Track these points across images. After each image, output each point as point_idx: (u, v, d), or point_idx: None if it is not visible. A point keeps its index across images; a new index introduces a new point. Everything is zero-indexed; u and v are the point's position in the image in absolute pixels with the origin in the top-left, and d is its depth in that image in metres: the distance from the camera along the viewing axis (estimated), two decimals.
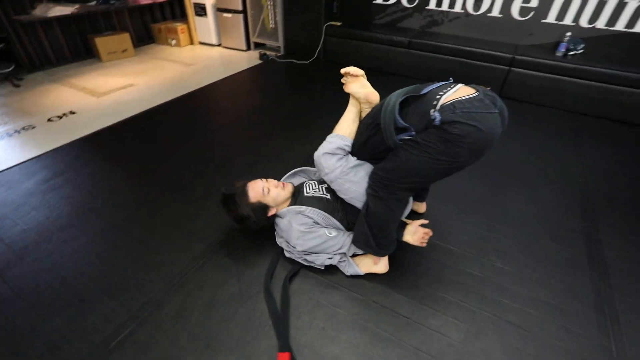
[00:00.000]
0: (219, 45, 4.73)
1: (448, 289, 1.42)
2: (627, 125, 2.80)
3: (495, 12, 3.25)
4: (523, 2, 3.09)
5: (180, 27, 4.55)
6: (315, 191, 1.56)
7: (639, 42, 2.83)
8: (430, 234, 1.40)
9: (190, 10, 4.52)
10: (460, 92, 1.08)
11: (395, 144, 1.18)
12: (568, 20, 3.01)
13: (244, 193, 1.43)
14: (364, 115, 1.40)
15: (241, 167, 2.14)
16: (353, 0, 3.87)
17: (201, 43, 4.80)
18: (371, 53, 3.62)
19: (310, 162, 1.54)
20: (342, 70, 1.39)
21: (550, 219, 1.80)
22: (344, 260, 1.45)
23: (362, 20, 3.88)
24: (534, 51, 3.06)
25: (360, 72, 1.37)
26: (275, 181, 1.53)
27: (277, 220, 1.52)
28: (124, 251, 1.56)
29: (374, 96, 1.36)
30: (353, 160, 1.35)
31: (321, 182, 1.63)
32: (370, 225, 1.31)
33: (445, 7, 3.43)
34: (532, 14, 3.11)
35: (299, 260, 1.49)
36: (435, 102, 1.07)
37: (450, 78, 1.19)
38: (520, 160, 2.26)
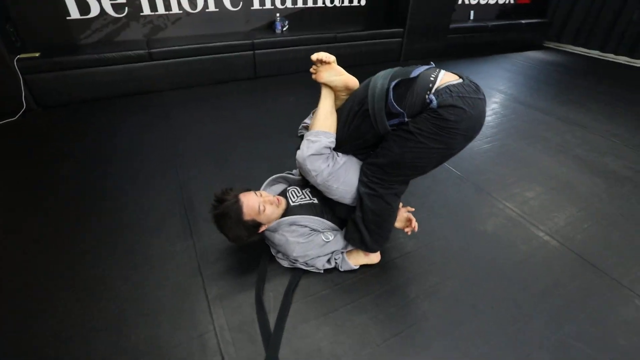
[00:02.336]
0: None
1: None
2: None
3: (212, 7, 3.43)
4: None
5: None
6: (302, 198, 1.45)
7: (317, 13, 3.93)
8: (415, 222, 1.42)
9: None
10: (447, 77, 1.08)
11: (385, 130, 1.13)
12: (268, 4, 3.67)
13: (238, 210, 1.27)
14: (339, 104, 1.29)
15: None
16: (37, 19, 2.85)
17: None
18: (103, 78, 2.93)
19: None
20: (314, 57, 1.22)
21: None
22: (337, 258, 1.43)
23: (63, 43, 2.99)
24: (260, 33, 3.57)
25: (332, 58, 1.22)
26: (270, 196, 1.38)
27: (268, 234, 1.41)
28: None
29: (354, 82, 1.25)
30: (340, 158, 1.26)
31: (303, 186, 1.51)
32: (366, 223, 1.28)
33: (161, 10, 3.24)
34: (241, 3, 3.53)
35: (299, 266, 1.40)
36: (431, 85, 1.06)
37: (432, 63, 1.17)
38: None
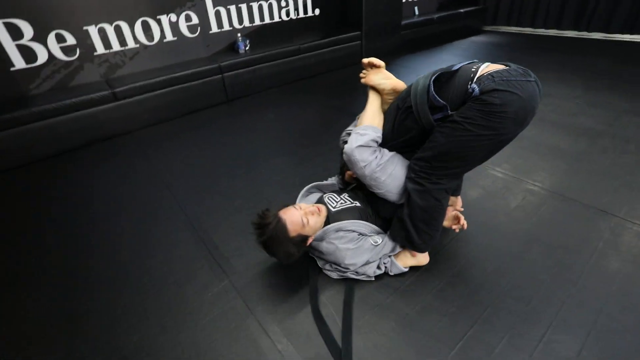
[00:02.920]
0: None
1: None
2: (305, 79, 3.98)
3: (170, 37, 3.28)
4: (187, 22, 3.31)
5: None
6: (342, 203, 1.42)
7: (275, 28, 3.92)
8: (463, 220, 1.42)
9: None
10: (491, 67, 1.08)
11: (430, 124, 1.13)
12: (226, 26, 3.59)
13: (283, 229, 1.24)
14: (385, 107, 1.31)
15: None
16: None
17: None
18: (66, 128, 2.66)
19: None
20: (365, 61, 1.30)
21: None
22: (386, 262, 1.40)
23: (11, 96, 2.69)
24: (225, 56, 3.48)
25: (382, 63, 1.30)
26: (310, 206, 1.36)
27: (314, 244, 1.37)
28: None
29: (401, 85, 1.28)
30: (387, 152, 1.26)
31: (339, 192, 1.49)
32: (414, 220, 1.25)
33: (116, 46, 3.04)
34: (199, 29, 3.42)
35: (349, 275, 1.35)
36: (472, 75, 1.06)
37: (475, 60, 1.17)
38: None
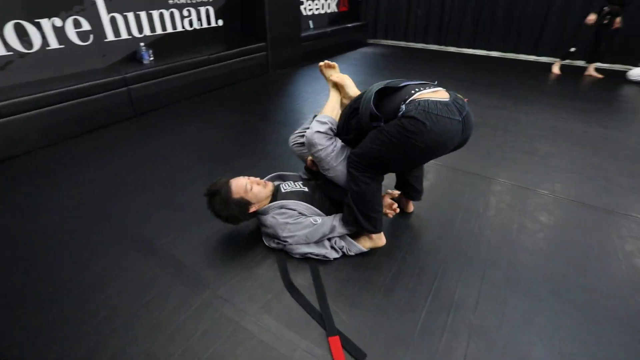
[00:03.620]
0: None
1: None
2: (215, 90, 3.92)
3: (55, 44, 2.82)
4: (76, 28, 2.90)
5: None
6: (293, 187, 1.63)
7: (179, 38, 3.74)
8: (396, 206, 1.62)
9: None
10: (436, 94, 1.17)
11: (368, 128, 1.31)
12: (124, 34, 3.27)
13: (227, 189, 1.46)
14: (342, 107, 1.53)
15: None
16: None
17: None
18: None
19: None
20: (321, 64, 1.68)
21: None
22: (342, 245, 1.54)
23: None
24: (127, 67, 3.16)
25: (335, 64, 1.65)
26: (257, 179, 1.56)
27: (261, 218, 1.54)
28: None
29: (352, 84, 1.58)
30: (340, 142, 1.46)
31: (296, 180, 1.68)
32: (355, 204, 1.41)
33: None
34: (92, 36, 3.03)
35: (308, 253, 1.49)
36: (408, 97, 1.18)
37: (435, 82, 1.27)
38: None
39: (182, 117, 3.20)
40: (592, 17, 4.06)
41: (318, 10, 5.80)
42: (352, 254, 1.55)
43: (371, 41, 7.04)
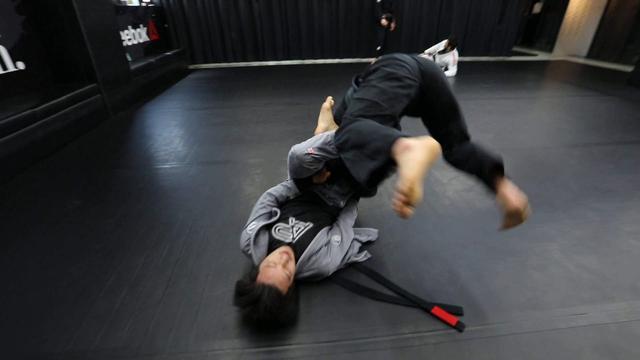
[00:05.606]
0: None
1: None
2: None
3: None
4: None
5: None
6: (296, 230, 1.50)
7: None
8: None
9: None
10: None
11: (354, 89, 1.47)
12: None
13: (276, 292, 1.16)
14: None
15: None
16: None
17: None
18: None
19: None
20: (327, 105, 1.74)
21: None
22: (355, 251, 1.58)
23: None
24: None
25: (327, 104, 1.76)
26: (280, 255, 1.31)
27: (300, 278, 1.40)
28: None
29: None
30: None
31: (285, 220, 1.53)
32: (360, 150, 1.11)
33: None
34: None
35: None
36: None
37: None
38: None
39: (29, 194, 2.31)
40: (384, 21, 5.95)
41: (131, 41, 5.16)
42: (364, 240, 1.68)
43: (192, 67, 6.82)
